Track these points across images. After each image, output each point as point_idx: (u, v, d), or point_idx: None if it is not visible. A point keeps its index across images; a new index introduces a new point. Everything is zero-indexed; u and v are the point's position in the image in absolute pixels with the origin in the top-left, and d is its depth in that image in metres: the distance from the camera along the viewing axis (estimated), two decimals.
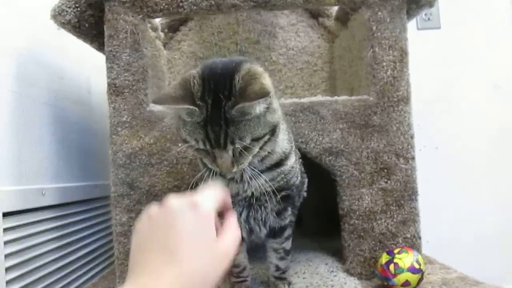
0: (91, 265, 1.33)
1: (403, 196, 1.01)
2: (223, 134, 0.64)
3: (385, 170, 1.01)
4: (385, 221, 1.01)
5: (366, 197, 1.01)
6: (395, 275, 0.87)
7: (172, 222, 0.46)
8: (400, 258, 0.88)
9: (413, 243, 1.01)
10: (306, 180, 0.99)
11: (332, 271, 1.04)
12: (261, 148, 0.69)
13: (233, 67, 0.67)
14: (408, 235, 1.01)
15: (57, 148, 1.17)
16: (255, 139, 0.67)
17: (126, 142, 1.02)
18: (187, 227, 0.46)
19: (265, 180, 0.74)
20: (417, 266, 0.87)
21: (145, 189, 1.01)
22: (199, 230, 0.46)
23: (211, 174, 0.74)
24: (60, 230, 1.15)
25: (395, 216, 1.01)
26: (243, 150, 0.66)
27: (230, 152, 0.66)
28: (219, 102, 0.64)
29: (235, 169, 0.68)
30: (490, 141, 1.78)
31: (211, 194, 0.51)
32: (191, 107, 0.64)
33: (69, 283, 1.17)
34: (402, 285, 0.87)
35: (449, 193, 1.75)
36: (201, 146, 0.67)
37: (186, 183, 1.01)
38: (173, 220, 0.46)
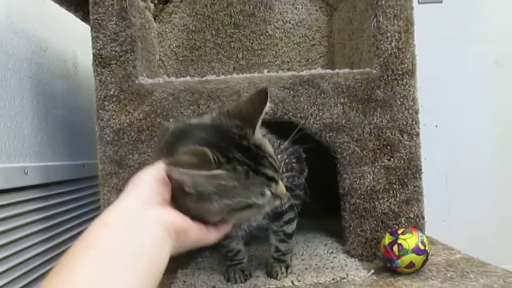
0: None
1: (406, 174, 0.96)
2: (271, 160, 0.59)
3: (388, 147, 0.96)
4: (387, 201, 0.96)
5: (368, 175, 0.96)
6: (399, 256, 0.83)
7: None
8: (404, 239, 0.83)
9: (417, 223, 0.96)
10: (305, 164, 0.95)
11: (332, 252, 1.00)
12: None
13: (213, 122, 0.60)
14: (412, 215, 0.96)
15: (40, 124, 1.11)
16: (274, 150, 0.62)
17: (114, 117, 0.95)
18: None
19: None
20: (422, 247, 0.83)
21: (135, 167, 0.95)
22: None
23: None
24: (46, 211, 1.09)
25: (398, 195, 0.96)
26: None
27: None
28: (243, 145, 0.57)
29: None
30: (491, 119, 1.74)
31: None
32: (233, 168, 0.54)
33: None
34: (406, 266, 0.83)
35: (448, 172, 1.72)
36: (268, 193, 0.58)
37: None
38: None
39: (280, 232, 0.85)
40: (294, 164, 0.88)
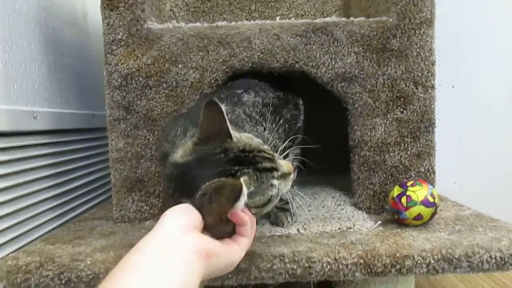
0: (89, 196, 1.29)
1: (419, 128, 0.94)
2: (261, 154, 0.64)
3: (402, 99, 0.93)
4: (398, 154, 0.94)
5: (380, 128, 0.94)
6: (407, 208, 0.82)
7: None
8: (413, 191, 0.82)
9: (427, 178, 0.95)
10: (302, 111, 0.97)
11: (340, 204, 0.99)
12: None
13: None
14: (422, 169, 0.95)
15: (49, 70, 1.10)
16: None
17: (122, 62, 0.93)
18: None
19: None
20: (431, 200, 0.82)
21: (143, 113, 0.94)
22: None
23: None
24: (55, 157, 1.09)
25: (410, 148, 0.94)
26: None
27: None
28: (232, 158, 0.62)
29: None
30: (510, 79, 1.68)
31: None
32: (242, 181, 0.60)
33: (66, 212, 1.13)
34: (414, 218, 0.82)
35: (464, 133, 1.68)
36: (276, 182, 0.65)
37: (187, 107, 0.94)
38: None
39: None
40: (288, 115, 0.93)
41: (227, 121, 0.63)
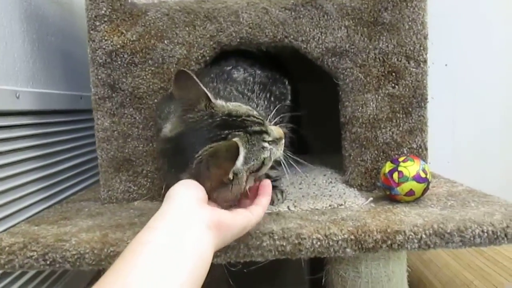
0: (78, 178, 1.27)
1: (411, 103, 0.92)
2: (249, 118, 0.65)
3: (394, 74, 0.92)
4: (390, 130, 0.93)
5: (371, 103, 0.92)
6: (398, 184, 0.80)
7: None
8: (405, 167, 0.81)
9: (419, 154, 0.93)
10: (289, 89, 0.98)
11: (331, 182, 0.98)
12: None
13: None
14: (414, 145, 0.93)
15: (32, 49, 1.06)
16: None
17: (106, 38, 0.91)
18: None
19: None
20: (423, 175, 0.80)
21: (129, 91, 0.92)
22: None
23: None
24: (41, 138, 1.07)
25: (402, 124, 0.92)
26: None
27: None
28: (220, 123, 0.63)
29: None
30: (504, 59, 1.66)
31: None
32: (236, 141, 0.60)
33: (54, 195, 1.11)
34: (406, 194, 0.81)
35: (457, 112, 1.67)
36: (267, 145, 0.65)
37: None
38: None
39: None
40: (277, 92, 0.94)
41: (201, 84, 0.63)
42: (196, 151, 0.60)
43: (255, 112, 0.67)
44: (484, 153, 1.69)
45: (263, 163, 0.65)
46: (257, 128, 0.64)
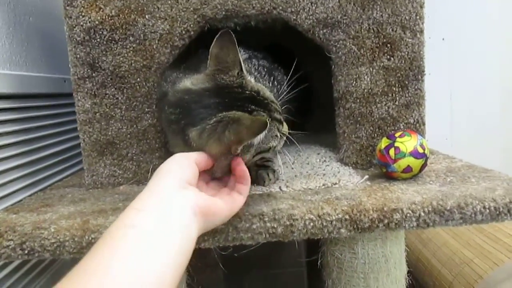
0: (64, 165, 1.22)
1: (407, 76, 0.88)
2: (273, 105, 0.65)
3: (389, 45, 0.87)
4: (385, 104, 0.88)
5: (365, 77, 0.87)
6: (395, 160, 0.76)
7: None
8: (402, 142, 0.77)
9: (417, 129, 0.89)
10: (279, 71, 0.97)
11: (325, 161, 0.94)
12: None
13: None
14: (411, 120, 0.89)
15: (7, 30, 1.01)
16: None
17: (83, 14, 0.85)
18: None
19: None
20: (420, 151, 0.76)
21: (109, 70, 0.87)
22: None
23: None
24: (22, 123, 1.02)
25: (398, 98, 0.88)
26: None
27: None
28: (244, 96, 0.63)
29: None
30: (502, 32, 1.61)
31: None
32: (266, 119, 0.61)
33: (38, 182, 1.06)
34: (403, 171, 0.77)
35: (455, 87, 1.63)
36: (278, 134, 0.66)
37: (157, 62, 0.86)
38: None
39: None
40: (279, 77, 0.94)
41: (239, 52, 0.63)
42: (220, 111, 0.60)
43: (276, 100, 0.68)
44: (483, 129, 1.65)
45: (268, 150, 0.66)
46: (277, 116, 0.66)
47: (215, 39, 0.63)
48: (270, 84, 0.89)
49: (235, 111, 0.60)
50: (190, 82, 0.66)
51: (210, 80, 0.64)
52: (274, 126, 0.65)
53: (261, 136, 0.60)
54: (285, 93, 0.92)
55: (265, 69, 0.91)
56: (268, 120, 0.61)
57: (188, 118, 0.63)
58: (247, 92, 0.63)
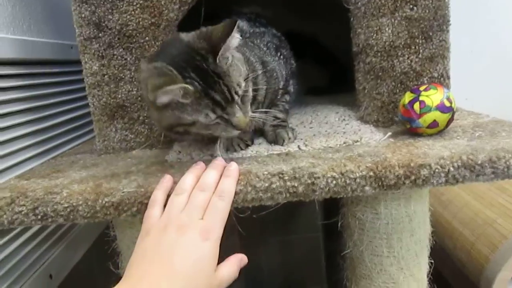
0: (75, 133, 1.20)
1: (431, 27, 0.82)
2: (225, 88, 0.61)
3: None
4: (408, 58, 0.83)
5: (387, 29, 0.82)
6: (420, 115, 0.72)
7: (181, 244, 0.53)
8: (427, 96, 0.72)
9: (441, 84, 0.84)
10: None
11: (344, 119, 0.90)
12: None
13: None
14: (435, 74, 0.84)
15: None
16: (245, 79, 0.64)
17: None
18: (194, 255, 0.53)
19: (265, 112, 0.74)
20: (447, 104, 0.72)
21: (116, 29, 0.83)
22: (205, 261, 0.53)
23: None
24: (29, 90, 0.99)
25: (421, 51, 0.83)
26: (244, 97, 0.65)
27: (238, 105, 0.64)
28: (201, 68, 0.61)
29: (247, 119, 0.66)
30: None
31: (223, 217, 0.58)
32: (185, 85, 0.58)
33: (49, 150, 1.04)
34: (429, 126, 0.73)
35: (476, 43, 1.55)
36: (213, 116, 0.62)
37: (165, 19, 0.82)
38: (183, 242, 0.53)
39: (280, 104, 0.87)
40: (287, 54, 0.92)
41: (225, 45, 0.61)
42: (175, 64, 0.61)
43: (241, 84, 0.64)
44: (505, 88, 1.58)
45: (193, 124, 0.63)
46: (217, 97, 0.62)
47: (227, 22, 0.63)
48: (277, 58, 0.87)
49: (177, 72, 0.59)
50: (185, 34, 0.66)
51: (196, 38, 0.64)
52: (206, 103, 0.61)
53: (163, 98, 0.59)
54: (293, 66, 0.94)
55: (274, 46, 0.89)
56: (193, 90, 0.59)
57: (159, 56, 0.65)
58: (204, 66, 0.61)
